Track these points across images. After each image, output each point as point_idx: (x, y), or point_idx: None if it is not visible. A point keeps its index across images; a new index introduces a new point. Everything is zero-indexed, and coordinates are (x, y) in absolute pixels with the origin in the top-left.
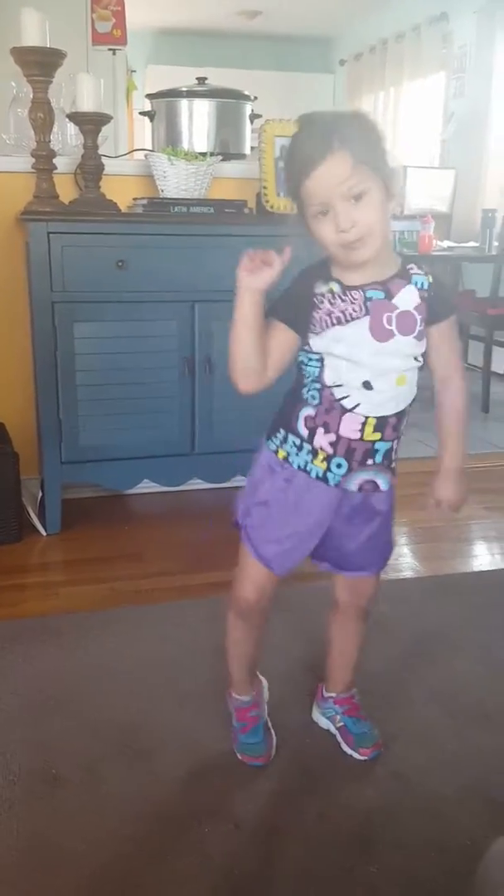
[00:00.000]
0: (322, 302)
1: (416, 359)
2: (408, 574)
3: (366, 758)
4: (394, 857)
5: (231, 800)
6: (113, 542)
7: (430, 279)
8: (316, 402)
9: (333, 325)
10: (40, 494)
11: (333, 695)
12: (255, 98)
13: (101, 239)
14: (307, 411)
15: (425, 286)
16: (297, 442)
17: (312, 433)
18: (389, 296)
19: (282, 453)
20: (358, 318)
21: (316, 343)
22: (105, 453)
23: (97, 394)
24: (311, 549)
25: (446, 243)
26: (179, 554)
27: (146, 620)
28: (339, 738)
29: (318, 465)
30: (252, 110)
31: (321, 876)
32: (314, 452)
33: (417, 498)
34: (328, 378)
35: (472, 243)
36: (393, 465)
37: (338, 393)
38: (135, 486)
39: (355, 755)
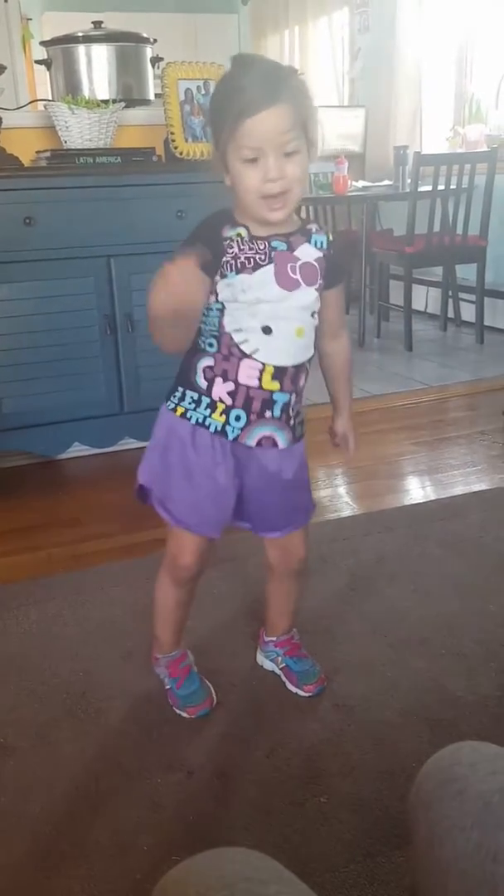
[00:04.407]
0: (231, 246)
1: (312, 315)
2: (345, 513)
3: (310, 694)
4: (343, 786)
5: (181, 749)
6: (47, 509)
7: (331, 237)
8: (214, 349)
9: (240, 271)
10: None
11: (273, 638)
12: (155, 41)
13: (4, 196)
14: (206, 361)
15: (325, 245)
16: (196, 396)
17: (211, 383)
18: (291, 248)
19: (180, 410)
20: (263, 265)
21: (223, 291)
22: (31, 419)
23: (16, 358)
24: (231, 503)
25: (361, 183)
26: (117, 515)
27: (86, 583)
28: (283, 678)
29: (217, 419)
30: (155, 54)
31: (274, 812)
32: (213, 406)
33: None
34: (228, 324)
35: (386, 182)
36: (292, 422)
37: (237, 337)
38: (65, 450)
39: (300, 693)
